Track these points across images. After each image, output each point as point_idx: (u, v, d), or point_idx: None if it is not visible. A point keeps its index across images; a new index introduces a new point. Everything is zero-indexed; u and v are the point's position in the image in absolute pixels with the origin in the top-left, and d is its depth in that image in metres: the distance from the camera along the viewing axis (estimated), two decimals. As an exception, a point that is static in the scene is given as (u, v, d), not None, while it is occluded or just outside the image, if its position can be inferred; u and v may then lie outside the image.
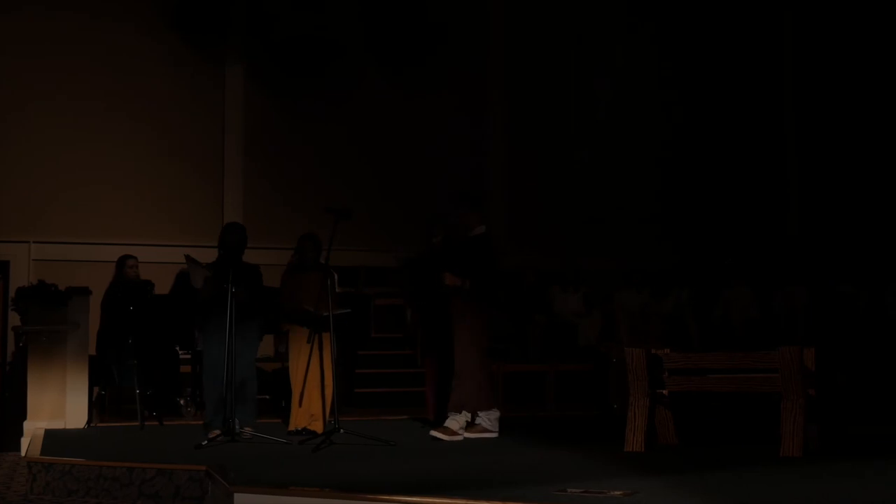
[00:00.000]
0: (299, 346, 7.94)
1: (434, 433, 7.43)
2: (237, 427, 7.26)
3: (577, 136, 14.17)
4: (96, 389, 9.30)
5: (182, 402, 9.57)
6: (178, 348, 10.11)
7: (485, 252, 7.58)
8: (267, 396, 10.03)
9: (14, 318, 9.95)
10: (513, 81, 13.88)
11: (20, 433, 8.68)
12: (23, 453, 8.13)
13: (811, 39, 14.80)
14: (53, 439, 7.58)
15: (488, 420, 7.55)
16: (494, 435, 7.50)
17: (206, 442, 6.91)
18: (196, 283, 7.66)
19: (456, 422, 7.46)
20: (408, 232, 12.42)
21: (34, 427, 8.46)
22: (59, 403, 8.68)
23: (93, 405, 8.99)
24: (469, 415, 7.53)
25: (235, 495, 5.03)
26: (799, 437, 6.12)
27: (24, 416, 8.74)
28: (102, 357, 9.02)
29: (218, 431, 7.25)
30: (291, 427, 7.90)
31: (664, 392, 6.74)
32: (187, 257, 7.74)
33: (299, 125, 12.87)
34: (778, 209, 14.86)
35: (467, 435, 7.45)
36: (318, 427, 7.76)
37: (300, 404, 7.89)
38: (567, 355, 11.64)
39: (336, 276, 8.42)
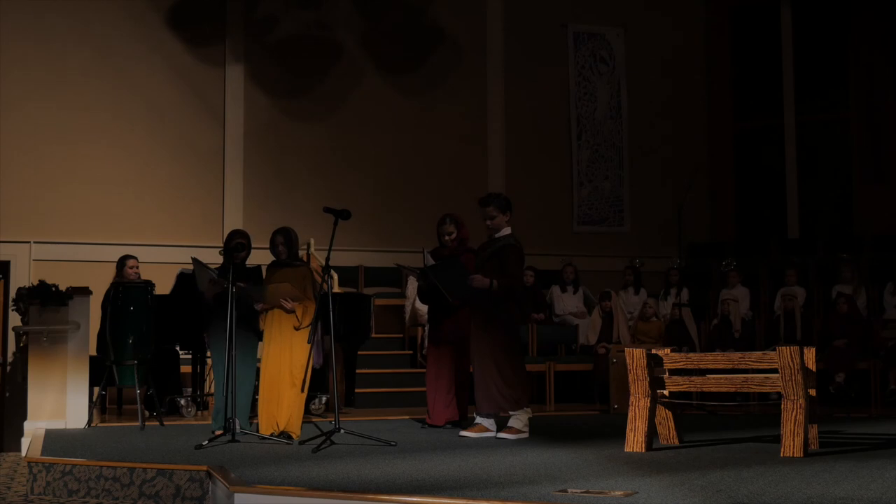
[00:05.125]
0: (269, 335, 7.57)
1: (503, 434, 7.43)
2: (237, 427, 7.25)
3: (576, 136, 14.16)
4: (96, 389, 9.31)
5: (182, 402, 9.57)
6: (178, 348, 10.13)
7: (512, 254, 7.60)
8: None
9: (14, 318, 9.95)
10: (513, 81, 13.87)
11: (20, 433, 8.68)
12: (23, 453, 8.13)
13: (811, 38, 14.78)
14: (54, 439, 7.57)
15: (520, 421, 7.58)
16: (525, 436, 7.52)
17: (206, 442, 6.91)
18: (202, 285, 7.70)
19: (519, 420, 7.51)
20: (407, 232, 12.46)
21: (34, 427, 8.45)
22: (59, 403, 8.67)
23: (93, 405, 9.00)
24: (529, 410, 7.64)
25: (236, 495, 5.04)
26: (799, 436, 6.13)
27: (24, 416, 8.75)
28: (102, 357, 9.02)
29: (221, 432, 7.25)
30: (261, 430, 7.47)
31: (664, 392, 6.75)
32: (194, 260, 7.77)
33: (299, 125, 12.88)
34: (777, 210, 14.85)
35: (501, 435, 7.47)
36: (292, 430, 7.37)
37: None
38: (566, 355, 11.65)
39: (318, 271, 8.37)
